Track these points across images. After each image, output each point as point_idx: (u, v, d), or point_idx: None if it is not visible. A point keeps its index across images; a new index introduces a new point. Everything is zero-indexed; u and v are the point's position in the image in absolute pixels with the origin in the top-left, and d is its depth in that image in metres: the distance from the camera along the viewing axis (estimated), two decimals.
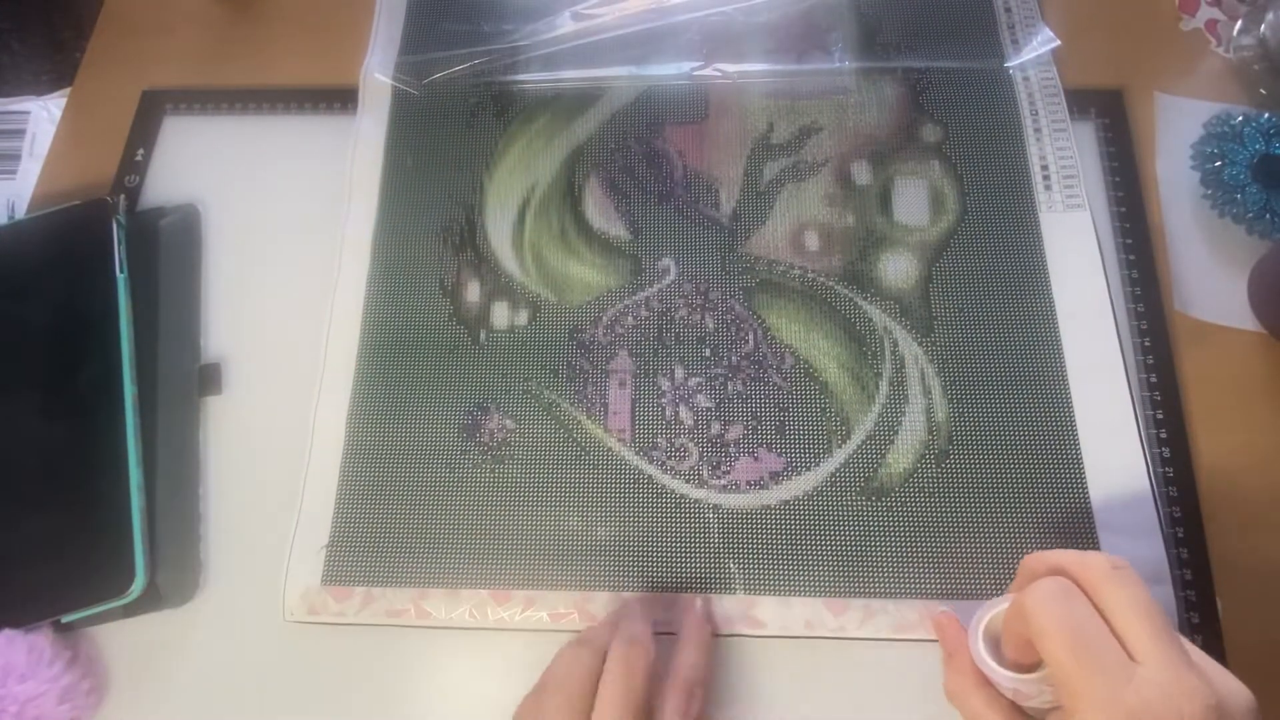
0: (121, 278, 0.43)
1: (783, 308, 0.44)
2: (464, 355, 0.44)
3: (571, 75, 0.50)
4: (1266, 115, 0.45)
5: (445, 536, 0.40)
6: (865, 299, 0.44)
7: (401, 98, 0.50)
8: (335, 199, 0.48)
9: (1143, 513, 0.39)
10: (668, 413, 0.42)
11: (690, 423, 0.42)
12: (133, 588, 0.38)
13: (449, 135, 0.49)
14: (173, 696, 0.38)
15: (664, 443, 0.42)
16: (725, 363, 0.43)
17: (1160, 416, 0.41)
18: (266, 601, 0.40)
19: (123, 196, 0.48)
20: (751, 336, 0.43)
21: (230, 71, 0.52)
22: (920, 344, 0.43)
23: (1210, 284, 0.44)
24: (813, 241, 0.45)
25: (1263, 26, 0.48)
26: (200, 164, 0.50)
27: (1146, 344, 0.43)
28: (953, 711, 0.33)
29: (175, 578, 0.40)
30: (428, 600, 0.39)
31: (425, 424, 0.43)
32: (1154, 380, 0.42)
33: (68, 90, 0.53)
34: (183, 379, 0.44)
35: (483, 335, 0.44)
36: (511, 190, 0.48)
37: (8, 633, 0.36)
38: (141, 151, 0.50)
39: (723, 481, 0.41)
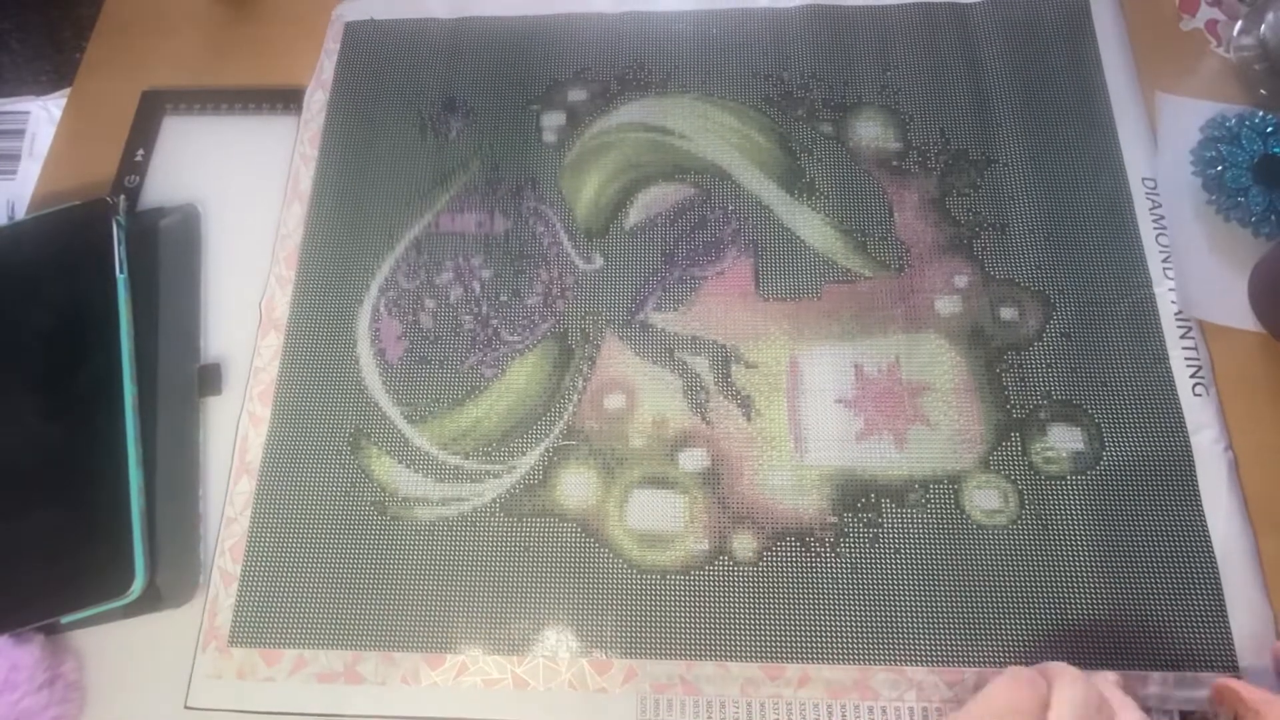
0: (121, 278, 0.43)
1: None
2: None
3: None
4: (1261, 114, 0.45)
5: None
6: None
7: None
8: None
9: None
10: None
11: None
12: (133, 588, 0.38)
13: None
14: (171, 696, 0.38)
15: None
16: None
17: None
18: None
19: (123, 197, 0.48)
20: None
21: (230, 71, 0.52)
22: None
23: (1213, 285, 0.43)
24: None
25: (1263, 26, 0.48)
26: (200, 164, 0.50)
27: None
28: None
29: (175, 578, 0.40)
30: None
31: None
32: None
33: (68, 90, 0.53)
34: (183, 379, 0.44)
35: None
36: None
37: None
38: (141, 152, 0.50)
39: None
